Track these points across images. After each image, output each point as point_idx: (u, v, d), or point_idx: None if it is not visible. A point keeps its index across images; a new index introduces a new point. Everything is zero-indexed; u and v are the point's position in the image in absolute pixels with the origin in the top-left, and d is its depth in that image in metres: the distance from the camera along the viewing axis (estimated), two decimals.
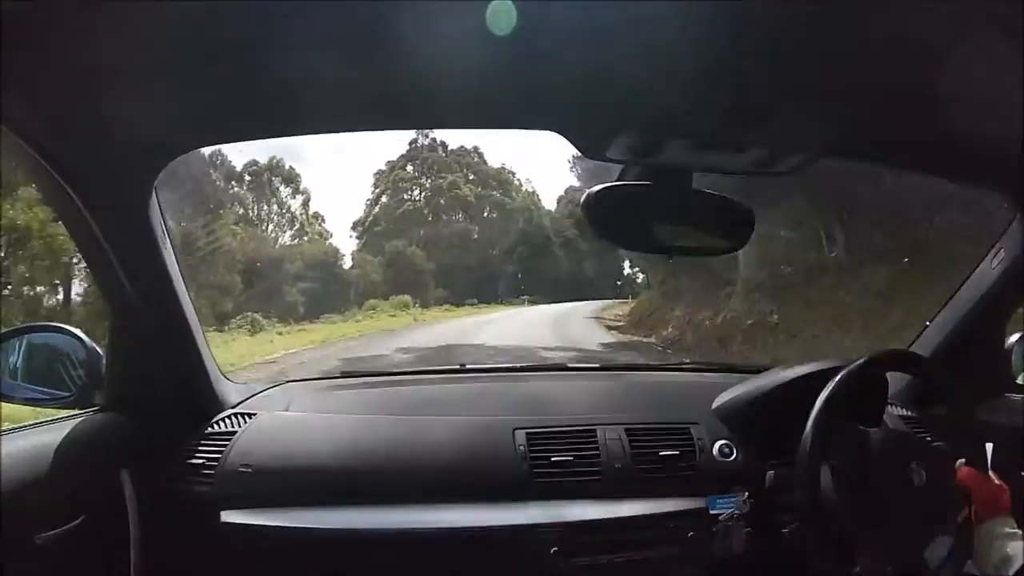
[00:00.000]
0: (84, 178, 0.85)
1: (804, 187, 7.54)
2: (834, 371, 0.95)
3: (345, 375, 1.55)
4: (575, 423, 1.19)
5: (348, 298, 19.55)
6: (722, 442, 1.19)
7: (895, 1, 0.60)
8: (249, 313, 13.50)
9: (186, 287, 1.08)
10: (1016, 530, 0.85)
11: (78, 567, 0.95)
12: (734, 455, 1.18)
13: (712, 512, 1.12)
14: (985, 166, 1.00)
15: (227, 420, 1.19)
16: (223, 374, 1.26)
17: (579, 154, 0.88)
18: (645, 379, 1.68)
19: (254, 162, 23.30)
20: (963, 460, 0.92)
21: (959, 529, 0.90)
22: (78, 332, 1.09)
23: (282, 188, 24.23)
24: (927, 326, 1.37)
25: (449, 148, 27.83)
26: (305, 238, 23.94)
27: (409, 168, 27.73)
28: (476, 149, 28.08)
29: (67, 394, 1.07)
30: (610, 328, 12.72)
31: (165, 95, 0.76)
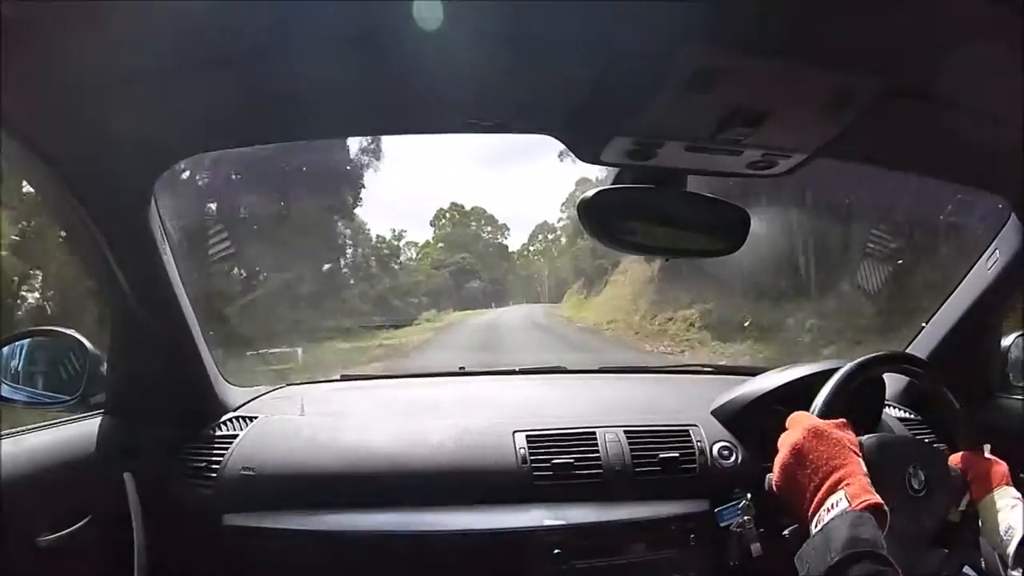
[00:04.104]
0: (84, 182, 0.85)
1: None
2: (831, 372, 0.95)
3: (345, 378, 1.55)
4: (575, 425, 1.19)
5: None
6: (721, 444, 1.20)
7: (895, 1, 0.60)
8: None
9: (186, 290, 1.09)
10: (1017, 500, 0.85)
11: (81, 570, 0.95)
12: (733, 457, 1.19)
13: (722, 524, 1.11)
14: (982, 167, 1.01)
15: (229, 423, 1.20)
16: (224, 377, 1.27)
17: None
18: (644, 381, 1.68)
19: None
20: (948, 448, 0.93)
21: (959, 525, 0.90)
22: (79, 336, 1.10)
23: None
24: (923, 327, 1.37)
25: None
26: None
27: None
28: None
29: (69, 398, 1.07)
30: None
31: (165, 100, 0.77)
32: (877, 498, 0.70)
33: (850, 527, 0.67)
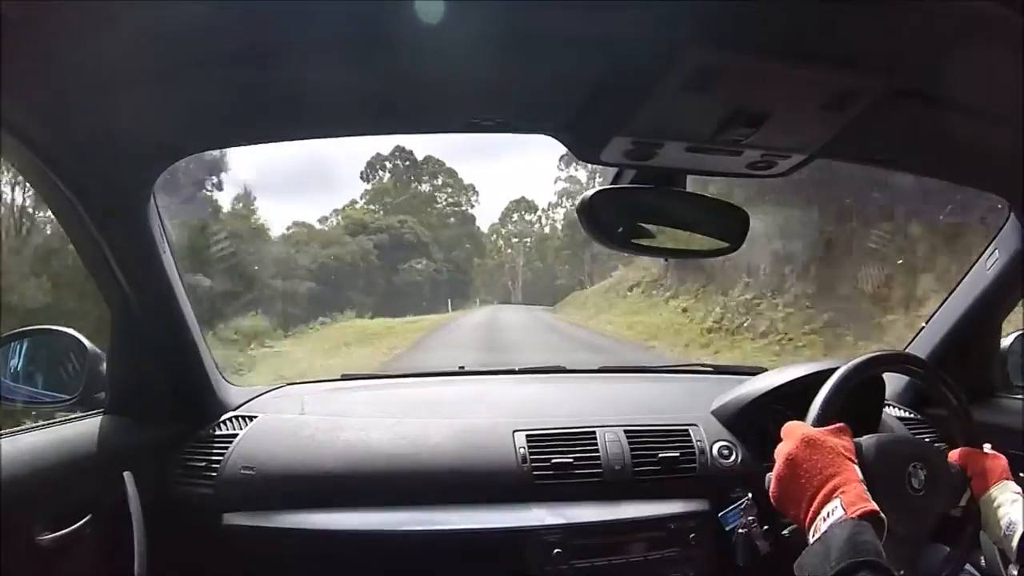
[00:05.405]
0: (84, 181, 0.85)
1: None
2: (831, 372, 0.95)
3: (345, 377, 1.55)
4: (575, 425, 1.19)
5: None
6: (721, 443, 1.20)
7: (895, 1, 0.60)
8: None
9: (185, 290, 1.09)
10: (1017, 495, 0.85)
11: (81, 569, 0.95)
12: (733, 456, 1.19)
13: (727, 528, 1.11)
14: (981, 166, 1.01)
15: (228, 423, 1.20)
16: (224, 377, 1.27)
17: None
18: (643, 381, 1.68)
19: None
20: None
21: (960, 521, 0.90)
22: (79, 335, 1.10)
23: None
24: (924, 327, 1.37)
25: None
26: None
27: None
28: None
29: (68, 397, 1.07)
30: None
31: (165, 99, 0.77)
32: (873, 506, 0.70)
33: (849, 535, 0.67)
